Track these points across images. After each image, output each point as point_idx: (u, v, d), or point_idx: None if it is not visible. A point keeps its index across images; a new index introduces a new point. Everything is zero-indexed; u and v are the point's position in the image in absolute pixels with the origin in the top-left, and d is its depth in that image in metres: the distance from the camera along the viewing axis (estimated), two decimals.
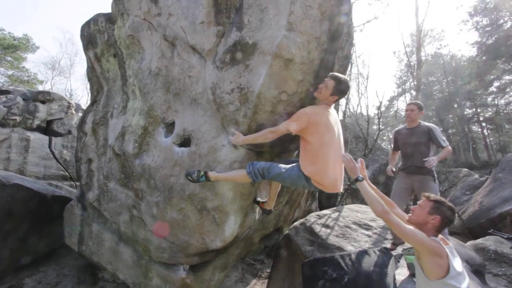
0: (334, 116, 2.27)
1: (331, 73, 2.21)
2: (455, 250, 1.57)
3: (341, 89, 2.18)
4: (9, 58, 18.57)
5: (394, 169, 3.43)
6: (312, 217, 3.92)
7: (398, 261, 2.83)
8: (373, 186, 1.90)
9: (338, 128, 2.24)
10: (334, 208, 4.30)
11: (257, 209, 2.94)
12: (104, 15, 3.70)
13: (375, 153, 8.69)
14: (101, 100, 3.99)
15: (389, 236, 3.27)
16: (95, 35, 3.81)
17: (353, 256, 2.44)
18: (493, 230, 3.21)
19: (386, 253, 2.49)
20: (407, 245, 3.03)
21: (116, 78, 3.74)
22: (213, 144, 2.44)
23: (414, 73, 12.36)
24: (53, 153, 7.60)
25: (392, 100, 26.80)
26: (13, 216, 4.24)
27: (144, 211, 3.03)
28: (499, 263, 2.68)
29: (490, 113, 19.87)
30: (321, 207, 6.20)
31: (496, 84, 17.98)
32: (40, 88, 20.30)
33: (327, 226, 3.60)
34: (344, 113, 11.33)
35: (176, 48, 2.71)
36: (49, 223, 4.70)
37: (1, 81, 18.14)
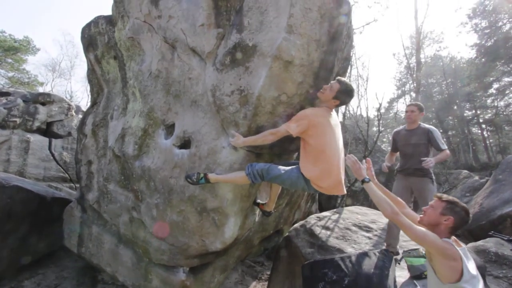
0: (335, 119, 2.28)
1: (338, 77, 2.23)
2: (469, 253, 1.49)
3: (344, 95, 2.19)
4: (9, 60, 18.65)
5: (389, 165, 3.42)
6: (312, 219, 3.92)
7: (399, 263, 2.82)
8: (380, 186, 1.86)
9: (338, 131, 2.24)
10: (334, 210, 4.30)
11: (257, 211, 2.94)
12: (105, 17, 3.72)
13: (375, 155, 8.69)
14: (101, 102, 3.99)
15: None
16: (96, 37, 3.82)
17: (353, 258, 2.44)
18: (494, 232, 3.20)
19: (386, 255, 2.49)
20: (406, 246, 3.03)
21: (116, 80, 3.74)
22: (213, 146, 2.45)
23: (414, 75, 12.40)
24: (53, 155, 7.60)
25: (391, 102, 26.80)
26: (13, 218, 4.23)
27: (144, 213, 3.03)
28: (499, 265, 2.67)
29: (489, 115, 19.86)
30: (321, 209, 6.19)
31: (495, 86, 17.97)
32: (41, 90, 20.32)
33: (327, 228, 3.59)
34: (344, 115, 11.33)
35: (176, 50, 2.72)
36: (49, 225, 4.69)
37: (2, 83, 18.19)
